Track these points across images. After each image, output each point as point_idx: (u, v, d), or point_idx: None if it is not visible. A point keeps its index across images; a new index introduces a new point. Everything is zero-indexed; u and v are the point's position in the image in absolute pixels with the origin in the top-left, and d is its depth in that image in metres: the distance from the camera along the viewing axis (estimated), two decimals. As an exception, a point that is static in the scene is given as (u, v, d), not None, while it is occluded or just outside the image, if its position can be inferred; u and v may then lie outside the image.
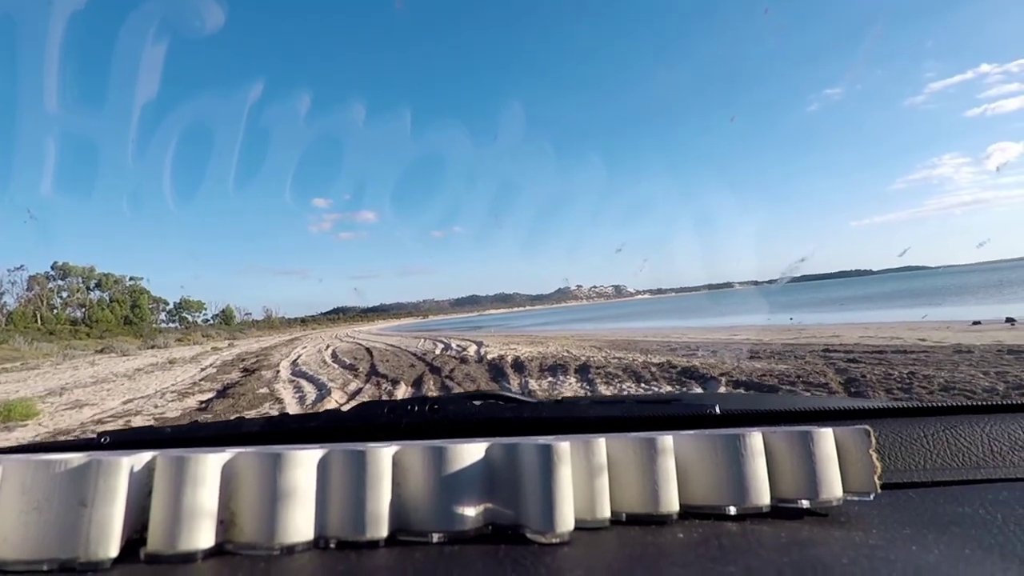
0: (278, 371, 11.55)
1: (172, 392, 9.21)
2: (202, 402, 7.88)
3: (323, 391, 8.04)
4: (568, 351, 12.07)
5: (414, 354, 14.55)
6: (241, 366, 13.93)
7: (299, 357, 15.66)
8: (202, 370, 13.76)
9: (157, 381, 11.46)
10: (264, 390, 8.54)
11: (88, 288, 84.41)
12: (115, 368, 16.15)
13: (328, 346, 22.45)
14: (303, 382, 9.40)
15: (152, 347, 33.64)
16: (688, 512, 0.57)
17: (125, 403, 8.25)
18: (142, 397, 8.87)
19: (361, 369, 10.88)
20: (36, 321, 68.32)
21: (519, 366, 9.58)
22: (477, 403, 0.90)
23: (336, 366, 12.04)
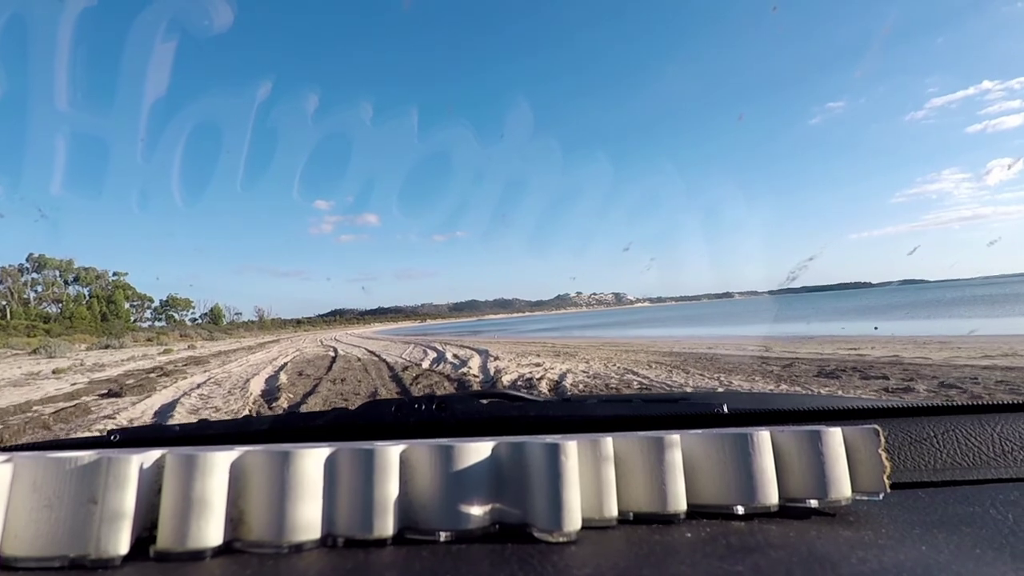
0: (148, 396, 7.12)
1: None
2: None
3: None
4: (635, 372, 7.55)
5: (391, 367, 10.76)
6: (128, 382, 9.47)
7: (232, 370, 11.52)
8: (72, 385, 9.45)
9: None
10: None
11: (66, 282, 79.83)
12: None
13: (297, 350, 19.92)
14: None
15: (107, 347, 31.04)
16: (696, 511, 0.56)
17: None
18: None
19: (283, 400, 6.47)
20: (3, 316, 63.59)
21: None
22: (484, 402, 0.88)
23: (256, 390, 7.70)
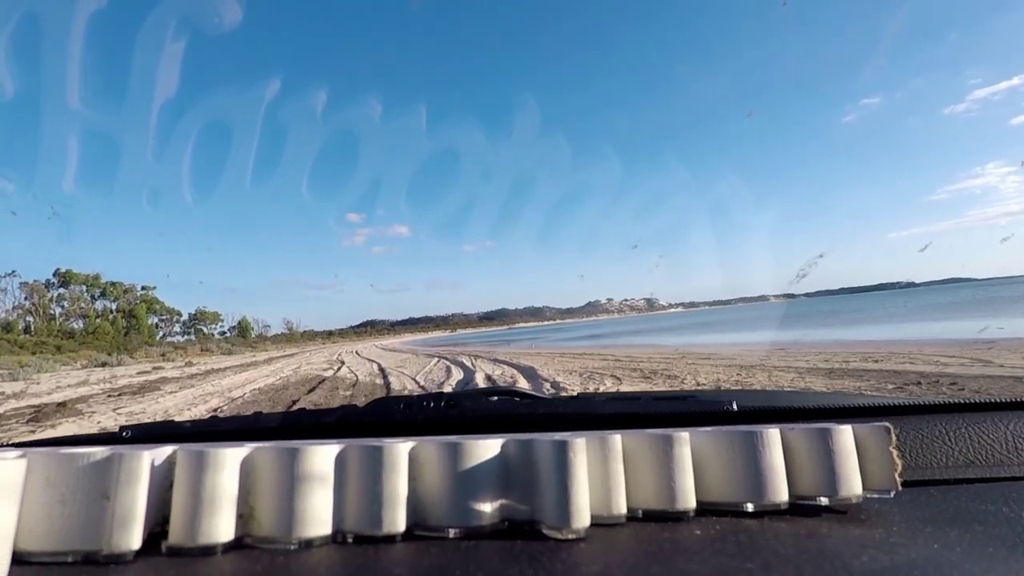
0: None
1: None
2: None
3: None
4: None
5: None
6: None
7: (158, 407, 8.14)
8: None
9: None
10: None
11: (93, 297, 78.92)
12: None
13: (297, 366, 18.05)
14: None
15: (103, 365, 28.52)
16: (705, 509, 0.56)
17: None
18: None
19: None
20: (27, 333, 62.36)
21: None
22: (493, 399, 0.89)
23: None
